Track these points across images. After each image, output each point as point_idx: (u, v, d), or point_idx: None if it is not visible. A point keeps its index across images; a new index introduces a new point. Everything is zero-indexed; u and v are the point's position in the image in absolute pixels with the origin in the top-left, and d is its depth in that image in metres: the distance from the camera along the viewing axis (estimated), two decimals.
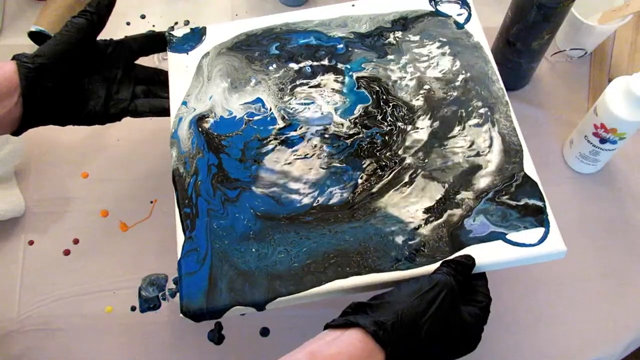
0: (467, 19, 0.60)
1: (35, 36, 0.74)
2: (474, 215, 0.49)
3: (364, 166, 0.53)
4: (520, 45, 0.65)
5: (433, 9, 0.60)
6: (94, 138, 0.71)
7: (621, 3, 0.69)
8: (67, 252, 0.64)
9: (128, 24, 0.78)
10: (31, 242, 0.65)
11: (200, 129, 0.55)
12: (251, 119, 0.56)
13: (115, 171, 0.69)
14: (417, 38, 0.59)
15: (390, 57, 0.58)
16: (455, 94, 0.56)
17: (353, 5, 0.61)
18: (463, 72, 0.57)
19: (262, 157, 0.54)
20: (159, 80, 0.61)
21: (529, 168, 0.51)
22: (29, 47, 0.75)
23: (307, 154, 0.54)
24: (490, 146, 0.53)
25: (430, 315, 0.41)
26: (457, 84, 0.56)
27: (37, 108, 0.52)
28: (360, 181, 0.52)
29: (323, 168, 0.53)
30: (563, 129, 0.70)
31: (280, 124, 0.55)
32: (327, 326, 0.43)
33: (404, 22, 0.60)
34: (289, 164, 0.53)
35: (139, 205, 0.67)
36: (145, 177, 0.68)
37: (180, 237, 0.50)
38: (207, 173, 0.53)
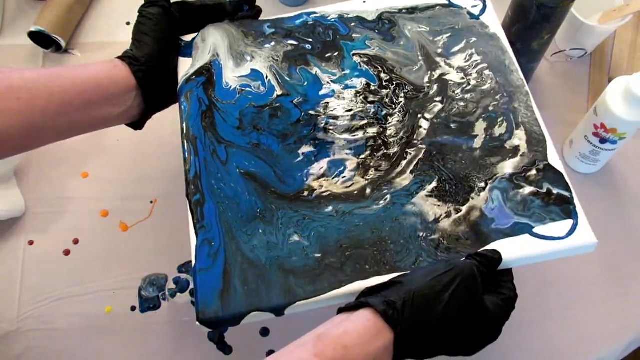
0: (482, 11, 0.57)
1: (35, 36, 0.74)
2: (489, 194, 0.47)
3: (367, 142, 0.50)
4: (520, 45, 0.65)
5: (446, 2, 0.58)
6: (94, 138, 0.70)
7: (621, 3, 0.69)
8: (67, 252, 0.64)
9: (128, 24, 0.79)
10: (31, 242, 0.65)
11: (193, 79, 0.54)
12: (244, 89, 0.54)
13: (115, 171, 0.69)
14: (425, 23, 0.56)
15: (396, 40, 0.55)
16: (468, 79, 0.53)
17: (364, 2, 0.59)
18: (477, 59, 0.54)
19: (260, 123, 0.52)
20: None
21: (554, 159, 0.48)
22: (29, 47, 0.75)
23: (304, 123, 0.51)
24: (509, 134, 0.50)
25: (445, 298, 0.40)
26: (471, 70, 0.53)
27: (156, 95, 0.55)
28: (363, 157, 0.49)
29: (320, 140, 0.51)
30: (563, 129, 0.70)
31: (279, 91, 0.53)
32: (340, 310, 0.43)
33: (412, 10, 0.57)
34: (284, 134, 0.51)
35: (139, 205, 0.67)
36: (145, 177, 0.68)
37: (193, 238, 0.48)
38: (198, 109, 0.52)
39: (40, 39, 0.74)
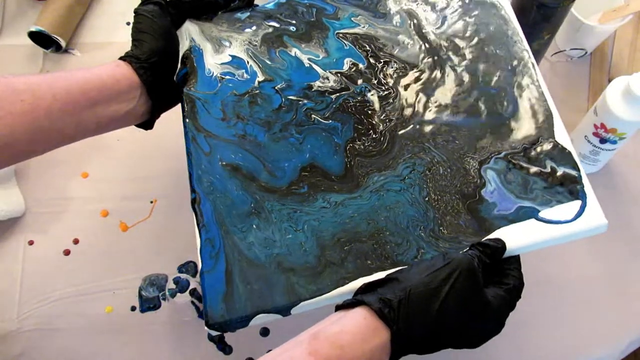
0: None
1: (35, 36, 0.74)
2: (484, 174, 0.44)
3: (354, 125, 0.48)
4: None
5: None
6: (94, 138, 0.70)
7: (621, 3, 0.69)
8: (67, 252, 0.64)
9: (128, 24, 0.78)
10: (31, 242, 0.65)
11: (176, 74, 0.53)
12: (224, 77, 0.52)
13: (115, 171, 0.69)
14: None
15: (386, 17, 0.52)
16: (465, 53, 0.50)
17: None
18: (476, 31, 0.51)
19: (242, 112, 0.50)
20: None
21: (561, 135, 0.45)
22: (29, 47, 0.75)
23: (286, 109, 0.50)
24: (510, 111, 0.47)
25: (442, 294, 0.39)
26: (468, 43, 0.50)
27: (161, 92, 0.54)
28: (351, 142, 0.47)
29: (305, 126, 0.49)
30: None
31: (260, 77, 0.52)
32: (337, 308, 0.43)
33: None
34: (268, 122, 0.49)
35: (139, 205, 0.67)
36: (145, 177, 0.68)
37: (199, 241, 0.47)
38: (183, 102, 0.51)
39: (40, 39, 0.74)
